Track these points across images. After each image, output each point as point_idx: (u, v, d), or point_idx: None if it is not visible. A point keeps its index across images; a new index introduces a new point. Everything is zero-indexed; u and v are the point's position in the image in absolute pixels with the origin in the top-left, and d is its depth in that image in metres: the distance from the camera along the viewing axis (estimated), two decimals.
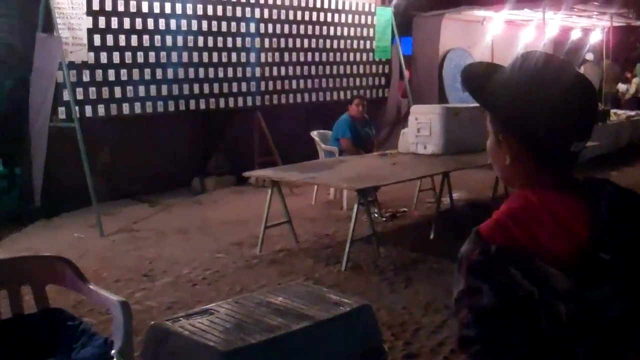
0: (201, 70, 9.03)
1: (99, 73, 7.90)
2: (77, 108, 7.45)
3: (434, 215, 7.17)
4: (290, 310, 2.46)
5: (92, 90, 7.84)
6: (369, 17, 11.48)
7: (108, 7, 7.91)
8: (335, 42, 10.94)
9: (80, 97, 7.70)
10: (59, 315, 3.50)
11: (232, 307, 2.48)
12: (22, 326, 3.37)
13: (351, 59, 11.24)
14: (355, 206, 6.10)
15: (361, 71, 11.44)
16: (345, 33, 11.11)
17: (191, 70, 8.91)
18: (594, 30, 15.03)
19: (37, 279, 3.54)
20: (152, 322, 2.45)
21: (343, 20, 11.03)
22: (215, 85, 9.23)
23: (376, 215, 7.62)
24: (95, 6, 7.78)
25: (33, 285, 3.53)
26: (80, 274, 3.52)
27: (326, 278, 5.74)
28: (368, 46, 11.52)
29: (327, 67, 10.84)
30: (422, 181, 8.10)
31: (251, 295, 2.78)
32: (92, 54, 7.81)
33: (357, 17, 11.26)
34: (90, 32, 7.76)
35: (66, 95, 7.43)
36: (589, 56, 15.45)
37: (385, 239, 6.83)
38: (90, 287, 3.45)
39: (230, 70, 9.38)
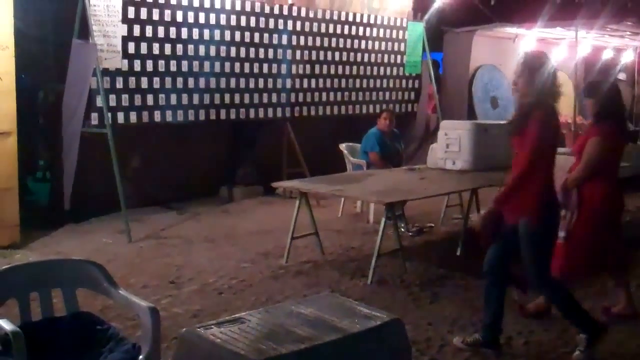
0: (232, 81, 9.09)
1: (132, 80, 7.98)
2: (109, 114, 7.53)
3: (461, 232, 7.13)
4: (321, 322, 2.46)
5: (125, 97, 7.93)
6: (400, 32, 11.49)
7: (143, 15, 8.00)
8: (365, 55, 10.97)
9: (113, 103, 7.78)
10: (88, 318, 3.54)
11: (263, 316, 2.50)
12: (52, 329, 3.41)
13: (381, 72, 11.26)
14: (383, 220, 6.09)
15: (391, 85, 11.44)
16: (376, 47, 11.13)
17: (222, 80, 8.97)
18: (626, 50, 14.90)
19: (68, 282, 3.59)
20: (184, 329, 2.46)
21: (374, 34, 11.05)
22: (246, 96, 9.28)
23: (403, 229, 7.60)
24: (131, 14, 7.87)
25: (64, 288, 3.57)
26: (110, 279, 3.56)
27: (352, 291, 5.74)
28: (399, 60, 11.52)
29: (357, 81, 10.87)
30: (449, 197, 8.08)
31: (281, 305, 2.79)
32: (125, 62, 7.90)
33: (388, 31, 11.28)
34: (125, 40, 7.85)
35: (99, 102, 7.51)
36: (622, 76, 15.32)
37: (411, 254, 6.81)
38: (120, 292, 3.49)
39: (261, 81, 9.43)
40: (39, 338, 3.22)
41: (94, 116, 7.61)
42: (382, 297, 5.61)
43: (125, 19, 7.82)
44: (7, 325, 3.01)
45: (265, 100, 9.53)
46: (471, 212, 7.31)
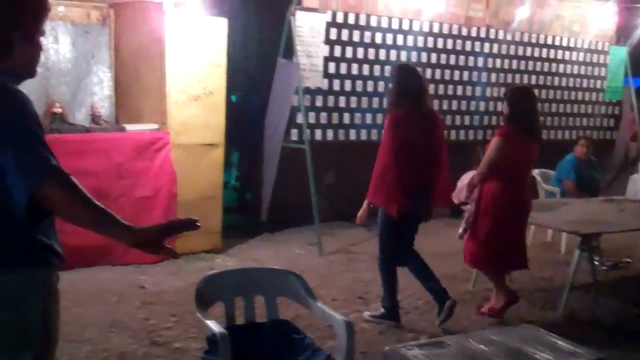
0: None
1: (330, 99, 8.30)
2: (308, 131, 7.86)
3: None
4: (523, 354, 2.47)
5: (324, 115, 8.26)
6: (602, 56, 11.08)
7: (344, 37, 8.31)
8: (563, 80, 10.69)
9: (312, 120, 8.12)
10: (286, 327, 3.73)
11: (463, 342, 2.54)
12: (253, 333, 3.63)
13: (579, 98, 10.91)
14: (577, 252, 5.89)
15: (589, 111, 11.07)
16: (575, 71, 10.82)
17: None
18: None
19: (270, 290, 3.80)
20: (387, 348, 2.58)
21: (574, 58, 10.75)
22: None
23: (597, 263, 7.29)
24: (333, 35, 8.20)
25: (265, 295, 3.79)
26: (309, 290, 3.73)
27: (541, 323, 5.58)
28: (598, 86, 11.13)
29: (554, 105, 10.61)
30: None
31: (481, 332, 2.82)
32: (326, 81, 8.23)
33: (589, 55, 10.92)
34: (326, 60, 8.19)
35: (299, 118, 7.87)
36: None
37: (605, 289, 6.52)
38: (318, 304, 3.66)
39: (454, 103, 9.47)
40: (240, 341, 3.44)
41: (294, 132, 7.98)
42: (573, 332, 5.43)
43: (327, 40, 8.15)
44: (215, 326, 3.25)
45: (457, 122, 9.54)
46: None
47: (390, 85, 5.46)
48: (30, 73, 2.49)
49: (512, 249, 5.60)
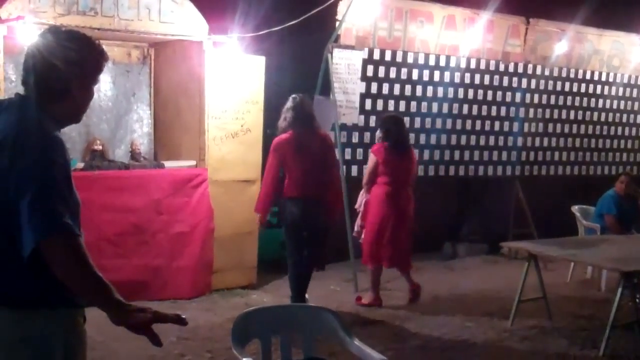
0: (463, 138, 9.16)
1: (367, 135, 8.30)
2: (344, 167, 7.87)
3: None
4: None
5: (359, 151, 8.25)
6: None
7: (381, 73, 8.33)
8: (602, 114, 10.58)
9: (348, 157, 8.14)
10: None
11: None
12: None
13: (619, 133, 10.79)
14: (619, 289, 5.79)
15: (629, 146, 10.92)
16: (615, 106, 10.71)
17: (453, 137, 9.07)
18: None
19: (307, 327, 3.79)
20: None
21: (613, 93, 10.64)
22: (476, 153, 9.30)
23: (638, 300, 7.14)
24: (369, 72, 8.24)
25: (303, 333, 3.78)
26: (345, 328, 3.71)
27: None
28: (638, 120, 10.98)
29: (593, 140, 10.50)
30: None
31: None
32: (362, 117, 8.25)
33: (628, 90, 10.81)
34: (363, 97, 8.22)
35: (336, 155, 7.87)
36: None
37: None
38: (355, 342, 3.63)
39: (492, 139, 9.41)
40: None
41: None
42: None
43: (364, 77, 8.19)
44: None
45: (495, 157, 9.49)
46: None
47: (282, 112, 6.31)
48: (77, 119, 2.54)
49: (388, 247, 6.84)
